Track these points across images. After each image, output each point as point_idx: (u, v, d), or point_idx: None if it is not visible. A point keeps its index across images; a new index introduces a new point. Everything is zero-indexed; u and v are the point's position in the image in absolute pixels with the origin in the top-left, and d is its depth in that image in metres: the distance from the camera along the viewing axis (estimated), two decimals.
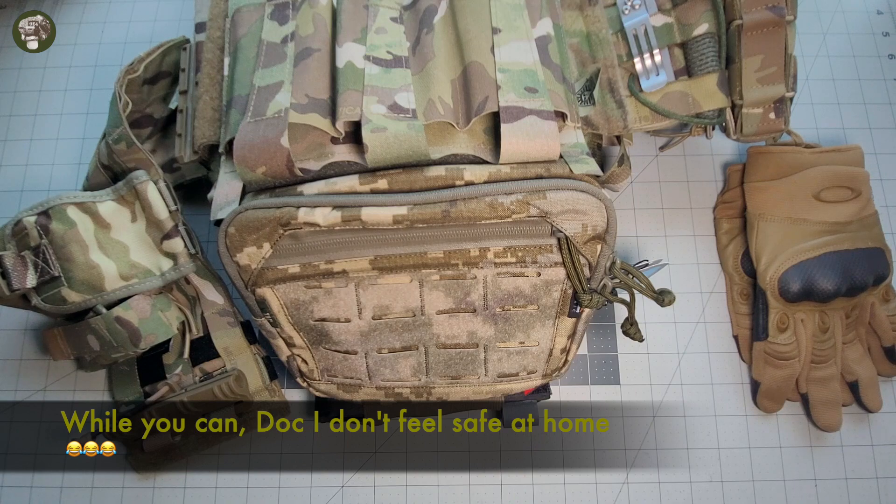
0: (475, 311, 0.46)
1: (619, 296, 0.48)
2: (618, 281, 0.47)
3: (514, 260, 0.44)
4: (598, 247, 0.44)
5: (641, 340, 0.50)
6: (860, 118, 0.67)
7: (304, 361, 0.50)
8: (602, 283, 0.46)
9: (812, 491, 0.56)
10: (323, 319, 0.47)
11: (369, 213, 0.42)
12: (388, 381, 0.49)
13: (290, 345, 0.49)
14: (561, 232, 0.43)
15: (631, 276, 0.47)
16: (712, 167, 0.65)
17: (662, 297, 0.46)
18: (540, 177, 0.44)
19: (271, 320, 0.47)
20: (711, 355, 0.60)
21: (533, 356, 0.49)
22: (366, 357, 0.48)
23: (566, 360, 0.51)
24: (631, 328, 0.49)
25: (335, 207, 0.42)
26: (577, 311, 0.47)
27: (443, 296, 0.46)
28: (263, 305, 0.47)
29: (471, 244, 0.44)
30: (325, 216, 0.42)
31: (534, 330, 0.47)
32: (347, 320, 0.47)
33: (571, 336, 0.49)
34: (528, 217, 0.42)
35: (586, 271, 0.45)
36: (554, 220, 0.43)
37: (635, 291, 0.47)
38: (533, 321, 0.47)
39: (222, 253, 0.44)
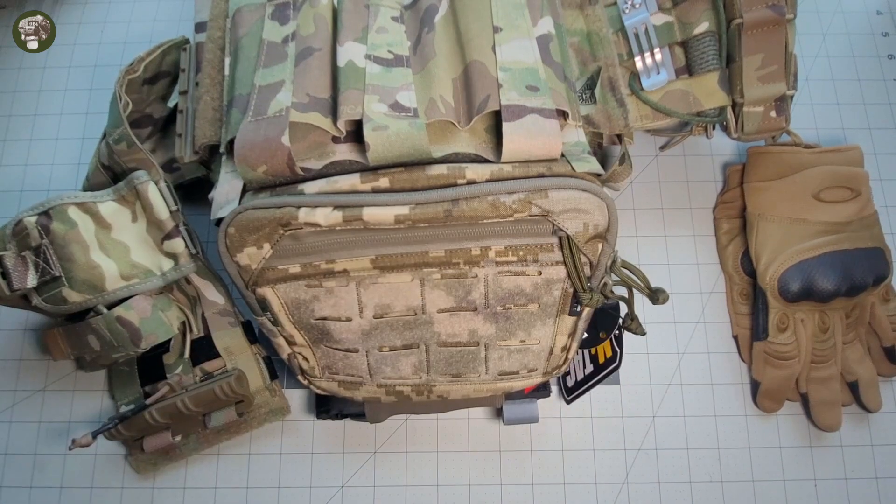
0: (476, 309, 0.46)
1: (618, 293, 0.49)
2: (618, 279, 0.47)
3: (515, 259, 0.44)
4: (599, 245, 0.44)
5: (644, 334, 0.50)
6: (860, 118, 0.67)
7: (305, 359, 0.50)
8: (602, 281, 0.46)
9: (812, 491, 0.56)
10: (324, 318, 0.47)
11: (371, 213, 0.42)
12: (390, 378, 0.49)
13: (290, 343, 0.49)
14: (562, 231, 0.43)
15: (630, 274, 0.47)
16: (712, 167, 0.66)
17: (657, 295, 0.47)
18: (542, 175, 0.43)
19: (272, 319, 0.47)
20: (711, 355, 0.60)
21: (534, 354, 0.49)
22: (367, 355, 0.48)
23: (566, 359, 0.51)
24: (632, 323, 0.50)
25: (336, 207, 0.42)
26: (578, 309, 0.47)
27: (444, 294, 0.46)
28: (264, 305, 0.47)
29: (472, 243, 0.44)
30: (326, 216, 0.42)
31: (534, 328, 0.47)
32: (348, 319, 0.47)
33: (572, 334, 0.49)
34: (530, 216, 0.42)
35: (587, 270, 0.45)
36: (555, 218, 0.43)
37: (633, 288, 0.48)
38: (534, 320, 0.47)
39: (222, 253, 0.44)
